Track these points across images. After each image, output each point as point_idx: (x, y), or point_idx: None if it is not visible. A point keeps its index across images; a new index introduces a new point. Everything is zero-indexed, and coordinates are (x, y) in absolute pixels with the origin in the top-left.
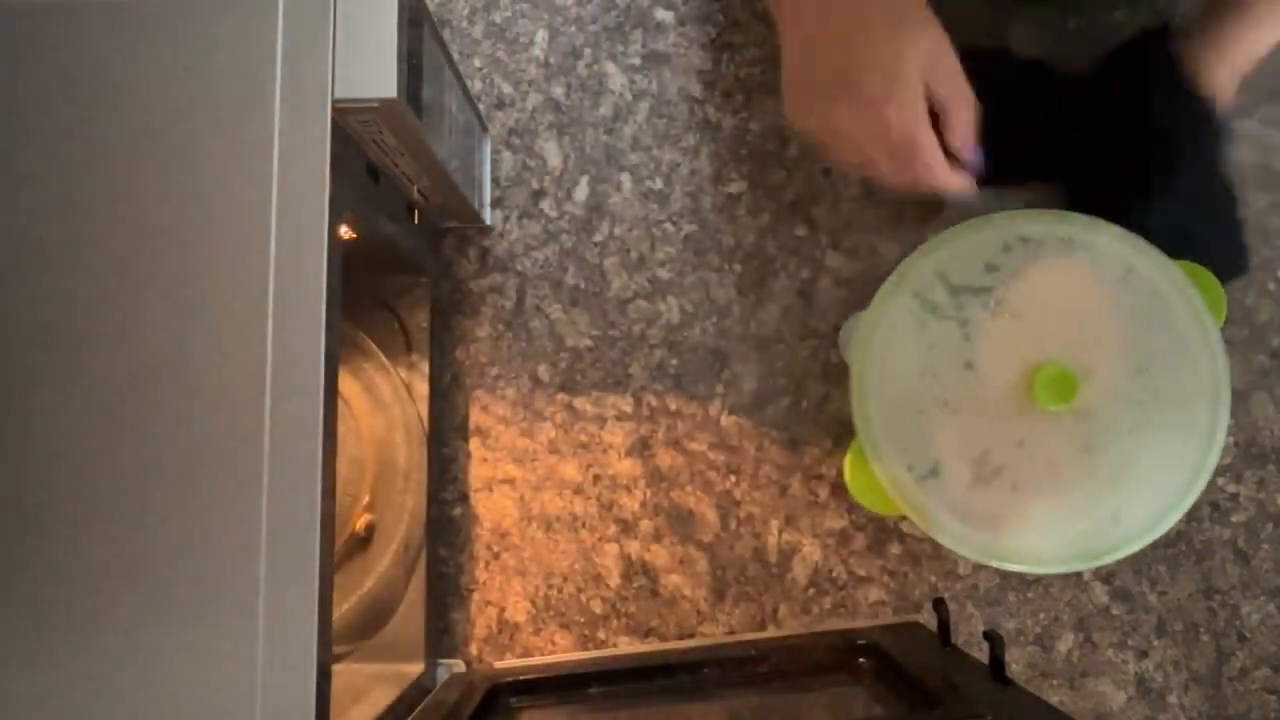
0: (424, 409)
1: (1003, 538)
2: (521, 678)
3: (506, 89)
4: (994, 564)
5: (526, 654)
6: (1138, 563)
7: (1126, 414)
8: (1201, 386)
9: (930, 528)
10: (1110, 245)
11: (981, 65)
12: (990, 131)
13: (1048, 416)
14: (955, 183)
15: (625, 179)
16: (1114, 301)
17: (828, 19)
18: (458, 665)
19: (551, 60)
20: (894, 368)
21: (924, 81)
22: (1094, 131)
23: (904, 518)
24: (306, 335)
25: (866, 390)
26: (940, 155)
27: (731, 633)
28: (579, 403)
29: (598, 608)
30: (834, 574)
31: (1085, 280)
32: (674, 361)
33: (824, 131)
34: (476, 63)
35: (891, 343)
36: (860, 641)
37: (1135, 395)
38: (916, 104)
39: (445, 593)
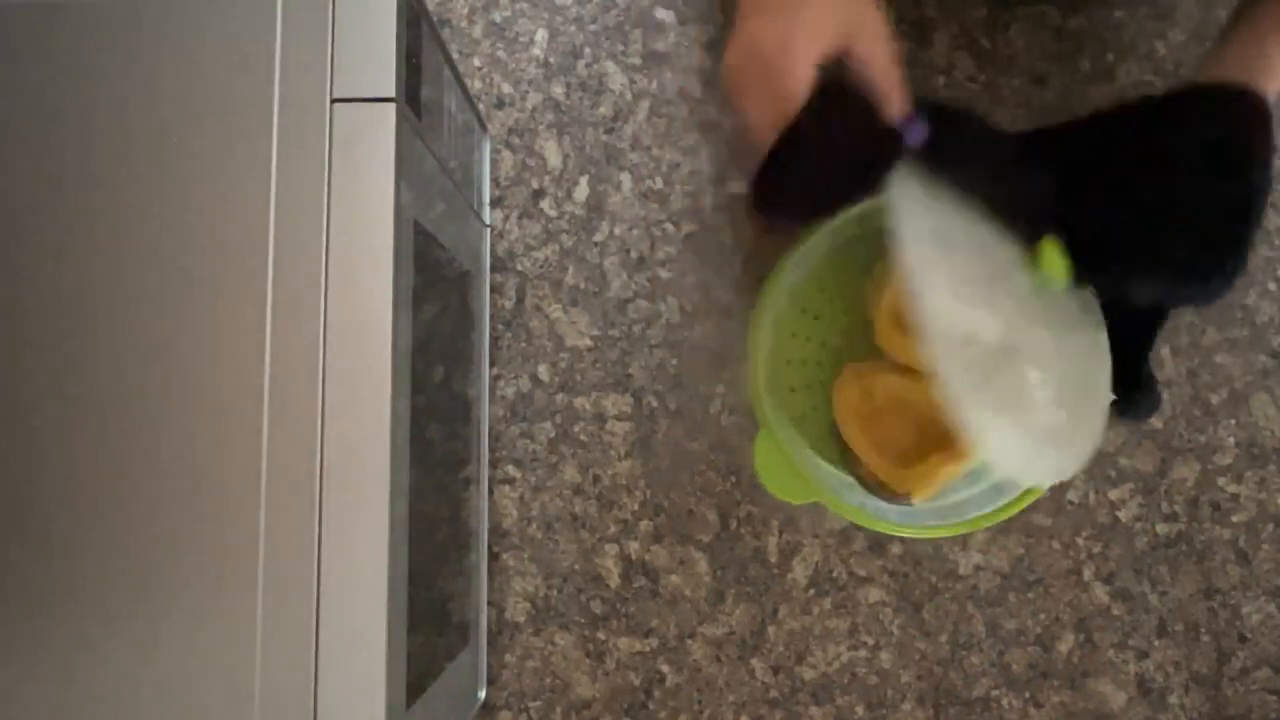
0: None
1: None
2: None
3: (506, 89)
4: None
5: (526, 654)
6: (1138, 563)
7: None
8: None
9: (848, 509)
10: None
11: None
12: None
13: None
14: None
15: (625, 179)
16: None
17: None
18: None
19: (551, 60)
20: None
21: (842, 35)
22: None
23: (815, 505)
24: (305, 332)
25: (762, 382)
26: (800, 80)
27: (732, 633)
28: (579, 403)
29: (598, 608)
30: (834, 574)
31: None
32: (674, 361)
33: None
34: (476, 62)
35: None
36: None
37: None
38: (819, 40)
39: None
